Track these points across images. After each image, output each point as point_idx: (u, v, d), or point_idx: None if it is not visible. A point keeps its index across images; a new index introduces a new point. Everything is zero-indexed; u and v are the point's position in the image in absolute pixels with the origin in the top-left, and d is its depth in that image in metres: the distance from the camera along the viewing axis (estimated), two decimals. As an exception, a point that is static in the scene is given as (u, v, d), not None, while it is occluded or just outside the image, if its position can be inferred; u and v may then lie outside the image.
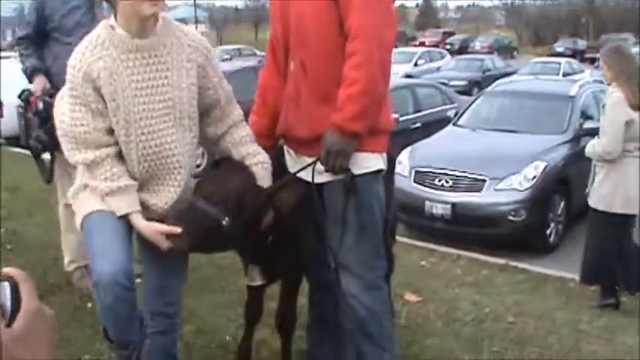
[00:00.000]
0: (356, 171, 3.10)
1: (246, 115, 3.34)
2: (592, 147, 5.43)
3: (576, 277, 6.21)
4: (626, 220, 5.39)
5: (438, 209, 8.04)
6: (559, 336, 4.76)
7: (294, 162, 3.34)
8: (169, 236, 2.85)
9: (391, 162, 4.02)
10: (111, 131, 2.85)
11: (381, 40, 2.99)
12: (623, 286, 5.62)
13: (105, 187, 2.87)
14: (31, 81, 4.94)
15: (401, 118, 11.36)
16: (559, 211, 8.24)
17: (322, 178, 3.13)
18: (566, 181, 8.29)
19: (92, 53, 2.81)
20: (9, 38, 34.81)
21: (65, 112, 2.86)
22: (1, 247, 6.25)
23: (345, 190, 3.10)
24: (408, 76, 23.22)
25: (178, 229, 2.82)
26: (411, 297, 5.36)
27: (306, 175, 3.17)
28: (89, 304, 4.86)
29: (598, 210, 5.46)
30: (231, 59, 26.65)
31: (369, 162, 3.15)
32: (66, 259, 5.26)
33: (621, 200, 5.29)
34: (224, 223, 2.89)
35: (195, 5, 61.61)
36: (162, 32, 2.95)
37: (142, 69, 2.88)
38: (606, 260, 5.52)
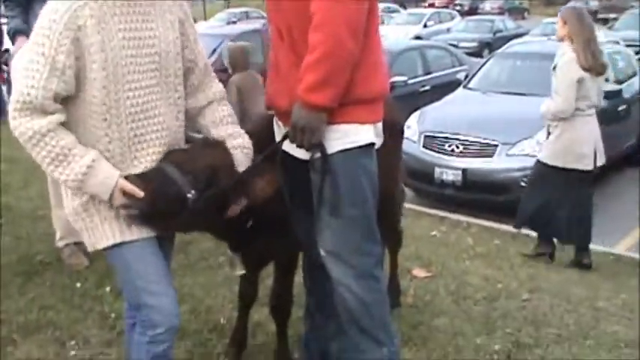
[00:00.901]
0: (338, 146, 2.76)
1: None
2: (546, 106, 5.69)
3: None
4: (578, 175, 5.64)
5: (448, 175, 7.83)
6: (577, 315, 4.49)
7: (279, 134, 3.01)
8: (129, 197, 2.56)
9: (395, 128, 3.72)
10: (58, 99, 2.51)
11: None
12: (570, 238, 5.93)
13: (75, 176, 2.53)
14: (14, 43, 4.77)
15: (410, 81, 11.11)
16: (573, 177, 7.91)
17: (300, 154, 2.82)
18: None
19: None
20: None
21: (22, 66, 2.51)
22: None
23: (321, 170, 2.77)
24: (418, 37, 22.79)
25: (140, 192, 2.54)
26: (420, 272, 5.09)
27: (293, 150, 2.84)
28: (78, 284, 4.63)
29: (549, 165, 5.72)
30: (237, 22, 26.23)
31: (355, 135, 2.78)
32: (57, 235, 5.03)
33: (574, 156, 5.57)
34: (189, 196, 2.60)
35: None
36: None
37: (128, 17, 2.58)
38: (548, 211, 5.83)
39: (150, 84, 2.64)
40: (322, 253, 2.91)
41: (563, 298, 4.78)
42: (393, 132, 3.54)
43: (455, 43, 20.09)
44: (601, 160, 5.69)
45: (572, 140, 5.55)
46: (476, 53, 20.23)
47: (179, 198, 2.59)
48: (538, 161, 5.92)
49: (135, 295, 2.74)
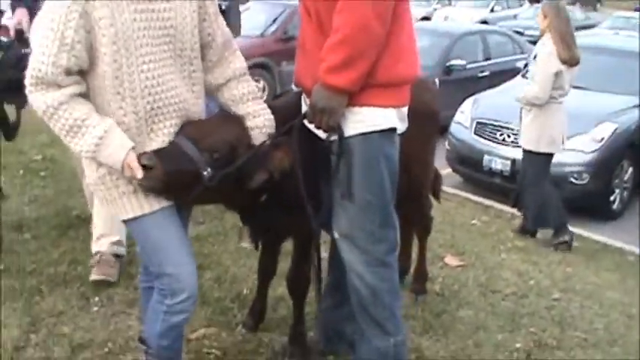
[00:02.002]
0: (357, 129, 2.71)
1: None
2: (523, 92, 6.03)
3: (636, 249, 5.85)
4: (550, 157, 6.11)
5: (497, 164, 7.71)
6: (607, 320, 4.38)
7: None
8: (145, 171, 2.54)
9: (427, 112, 3.64)
10: (73, 72, 2.49)
11: None
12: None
13: (88, 146, 2.51)
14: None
15: (468, 66, 10.94)
16: (626, 178, 7.79)
17: (319, 133, 2.78)
18: (636, 146, 7.77)
19: None
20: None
21: (35, 41, 2.53)
22: (35, 174, 6.14)
23: (337, 152, 2.72)
24: (484, 22, 22.35)
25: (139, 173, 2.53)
26: (452, 260, 5.02)
27: (313, 129, 2.80)
28: (108, 242, 4.66)
29: (527, 150, 6.12)
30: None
31: (376, 119, 2.72)
32: (94, 232, 4.73)
33: (547, 141, 5.95)
34: (205, 174, 2.58)
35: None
36: None
37: None
38: (535, 192, 6.18)
39: (163, 57, 2.61)
40: (336, 235, 2.89)
41: (596, 301, 4.67)
42: (424, 115, 3.46)
43: (520, 30, 19.62)
44: (564, 145, 6.17)
45: (544, 126, 5.94)
46: (542, 42, 19.74)
47: (194, 175, 2.58)
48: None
49: (155, 263, 2.74)
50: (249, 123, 2.81)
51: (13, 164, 6.32)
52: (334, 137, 2.70)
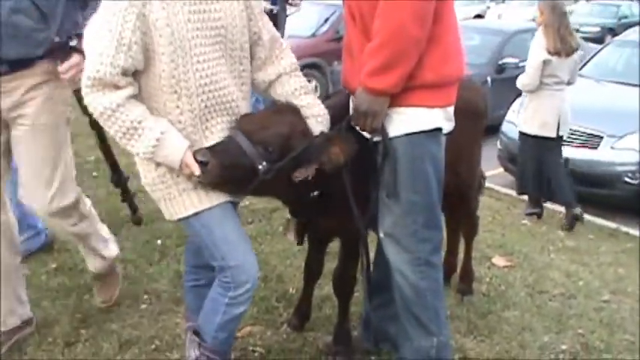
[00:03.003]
0: (402, 129, 2.72)
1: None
2: (520, 79, 6.51)
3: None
4: (543, 141, 6.43)
5: (550, 163, 7.54)
6: (658, 325, 4.27)
7: None
8: (201, 167, 2.59)
9: (473, 111, 3.63)
10: (129, 74, 2.55)
11: None
12: (551, 198, 6.75)
13: (145, 148, 2.56)
14: None
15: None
16: (682, 177, 7.53)
17: (365, 134, 2.80)
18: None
19: None
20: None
21: (90, 42, 2.57)
22: (88, 175, 6.26)
23: (382, 152, 2.74)
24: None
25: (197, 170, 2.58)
26: (500, 261, 4.96)
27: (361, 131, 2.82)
28: (159, 241, 4.78)
29: (521, 132, 6.66)
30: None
31: (422, 119, 2.73)
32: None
33: (538, 124, 6.39)
34: (260, 167, 2.62)
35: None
36: None
37: None
38: (526, 174, 6.70)
39: (216, 56, 2.67)
40: (381, 234, 2.90)
41: (648, 304, 4.56)
42: (471, 115, 3.45)
43: (576, 27, 19.29)
44: (563, 131, 6.44)
45: (535, 110, 6.39)
46: (598, 39, 19.37)
47: (250, 169, 2.63)
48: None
49: (219, 257, 2.78)
50: (304, 113, 2.85)
51: (67, 165, 6.46)
52: (378, 138, 2.72)
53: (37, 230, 4.51)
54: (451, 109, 2.84)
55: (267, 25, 2.89)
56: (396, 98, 2.67)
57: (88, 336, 3.65)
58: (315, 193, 2.94)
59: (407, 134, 2.73)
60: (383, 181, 2.80)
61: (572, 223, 6.37)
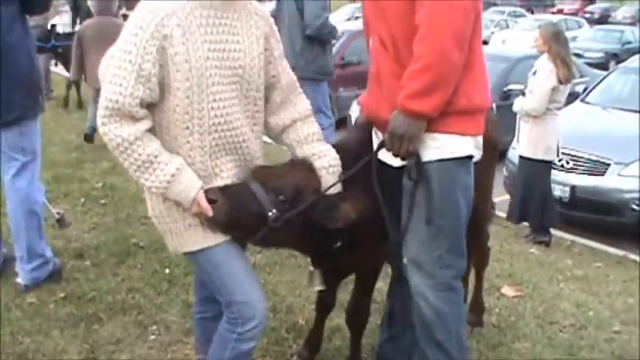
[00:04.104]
0: (435, 155, 2.72)
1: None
2: (521, 104, 6.71)
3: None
4: (547, 165, 6.71)
5: (556, 191, 7.55)
6: (671, 356, 4.23)
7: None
8: (213, 207, 2.58)
9: (491, 143, 3.62)
10: (145, 105, 2.54)
11: (451, 6, 2.52)
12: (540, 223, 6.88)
13: (159, 183, 2.55)
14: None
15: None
16: (689, 204, 7.52)
17: (395, 161, 2.78)
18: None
19: (166, 7, 2.51)
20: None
21: (109, 72, 2.55)
22: (95, 202, 6.26)
23: (415, 178, 2.72)
24: (542, 44, 22.06)
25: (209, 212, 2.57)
26: (509, 291, 4.94)
27: (387, 158, 2.81)
28: (167, 270, 4.75)
29: (524, 157, 6.77)
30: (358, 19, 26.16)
31: (452, 146, 2.73)
32: None
33: (542, 149, 6.57)
34: (270, 215, 2.61)
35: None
36: None
37: (214, 29, 2.60)
38: (530, 200, 6.80)
39: (231, 96, 2.66)
40: (405, 261, 2.89)
41: (659, 334, 4.53)
42: (489, 147, 3.46)
43: (580, 52, 19.41)
44: (559, 154, 6.83)
45: (540, 135, 6.57)
46: (601, 65, 19.40)
47: (259, 215, 2.61)
48: (519, 156, 6.93)
49: (225, 293, 2.76)
50: (316, 163, 2.84)
51: (74, 192, 6.48)
52: (412, 162, 2.70)
53: (45, 259, 4.50)
54: (480, 139, 2.84)
55: (286, 69, 2.90)
56: (429, 123, 2.66)
57: (97, 367, 3.63)
58: (338, 244, 2.93)
59: (439, 160, 2.73)
60: (413, 205, 2.78)
61: (538, 242, 6.72)
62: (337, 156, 2.90)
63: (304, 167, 2.81)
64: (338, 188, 2.83)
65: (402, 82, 2.60)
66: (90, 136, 8.39)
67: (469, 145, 2.78)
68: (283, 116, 2.91)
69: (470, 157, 2.81)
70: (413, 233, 2.85)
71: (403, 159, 2.71)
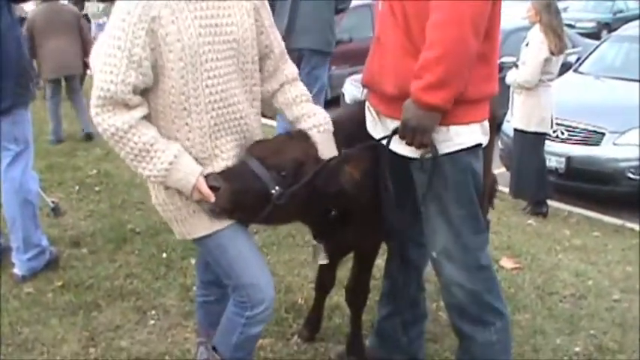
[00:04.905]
0: (446, 148, 2.65)
1: (364, 54, 2.95)
2: (513, 76, 6.68)
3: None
4: (541, 137, 6.69)
5: (552, 162, 7.50)
6: (671, 322, 4.23)
7: (374, 124, 2.91)
8: (214, 192, 2.53)
9: (494, 123, 3.59)
10: (138, 92, 2.49)
11: None
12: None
13: (157, 172, 2.51)
14: None
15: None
16: (686, 171, 7.51)
17: (404, 150, 2.72)
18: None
19: None
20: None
21: (99, 61, 2.48)
22: (90, 189, 6.24)
23: (430, 170, 2.67)
24: (533, 16, 21.96)
25: (212, 197, 2.52)
26: (508, 263, 4.94)
27: (396, 146, 2.73)
28: (164, 255, 4.75)
29: (518, 129, 6.71)
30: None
31: (463, 136, 2.67)
32: None
33: (536, 121, 6.55)
34: (273, 192, 2.56)
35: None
36: None
37: (203, 4, 2.53)
38: (526, 173, 6.77)
39: (228, 71, 2.60)
40: (434, 255, 2.86)
41: (659, 301, 4.53)
42: (491, 126, 3.43)
43: (572, 23, 19.25)
44: (553, 125, 6.76)
45: (533, 107, 6.54)
46: (593, 34, 19.28)
47: (263, 194, 2.56)
48: (514, 129, 6.85)
49: (233, 276, 2.72)
50: (305, 123, 2.80)
51: (68, 180, 6.46)
52: (429, 155, 2.64)
53: (42, 248, 4.49)
54: (487, 123, 2.78)
55: (277, 38, 2.85)
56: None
57: (97, 354, 3.62)
58: (334, 212, 2.90)
59: (450, 152, 2.67)
60: (431, 198, 2.75)
61: (535, 213, 6.70)
62: (327, 115, 2.86)
63: (301, 138, 2.75)
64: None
65: (416, 70, 2.48)
66: (55, 142, 8.05)
67: (477, 133, 2.72)
68: (273, 82, 2.87)
69: (479, 145, 2.76)
70: (434, 227, 2.82)
71: (418, 149, 2.65)
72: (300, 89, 2.90)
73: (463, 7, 2.40)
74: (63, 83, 8.42)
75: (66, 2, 8.72)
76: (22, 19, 8.25)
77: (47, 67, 7.61)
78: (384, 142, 2.74)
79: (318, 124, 2.80)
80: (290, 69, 2.91)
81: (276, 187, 2.56)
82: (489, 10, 2.51)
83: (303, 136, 2.76)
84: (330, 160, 2.71)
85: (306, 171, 2.64)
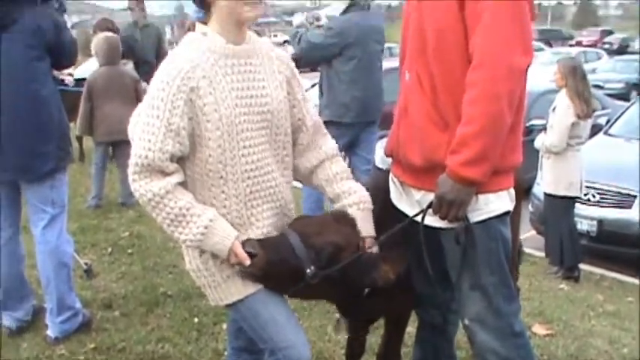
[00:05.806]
0: (476, 217, 2.68)
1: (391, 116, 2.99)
2: (541, 141, 6.80)
3: None
4: (570, 201, 6.73)
5: (583, 225, 7.50)
6: None
7: (399, 194, 2.95)
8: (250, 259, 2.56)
9: (520, 188, 3.61)
10: (174, 159, 2.56)
11: (510, 70, 2.46)
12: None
13: (193, 236, 2.56)
14: None
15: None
16: None
17: (436, 222, 2.74)
18: None
19: (190, 60, 2.53)
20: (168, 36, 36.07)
21: (137, 129, 2.59)
22: (122, 251, 6.30)
23: (464, 242, 2.70)
24: (562, 78, 22.03)
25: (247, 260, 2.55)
26: (540, 329, 4.88)
27: (430, 220, 2.75)
28: (196, 319, 4.74)
29: (547, 193, 6.80)
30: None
31: (492, 205, 2.70)
32: None
33: (565, 185, 6.60)
34: (307, 271, 2.57)
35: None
36: (253, 40, 2.73)
37: (239, 76, 2.62)
38: (558, 238, 6.82)
39: (261, 141, 2.67)
40: (466, 322, 2.88)
41: (695, 370, 4.45)
42: (517, 192, 3.45)
43: (600, 84, 19.31)
44: (583, 189, 6.77)
45: (562, 171, 6.60)
46: (622, 95, 19.33)
47: (297, 271, 2.58)
48: (544, 193, 6.95)
49: (268, 339, 2.74)
50: (346, 200, 2.83)
51: (101, 242, 6.52)
52: (460, 227, 2.66)
53: (75, 311, 4.52)
54: (513, 190, 2.80)
55: (310, 111, 2.91)
56: None
57: (129, 419, 3.63)
58: (366, 292, 2.90)
59: (482, 221, 2.70)
60: (464, 270, 2.77)
61: (567, 277, 6.71)
62: (367, 193, 2.88)
63: (346, 223, 2.75)
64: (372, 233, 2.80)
65: (454, 146, 2.52)
66: (94, 207, 7.83)
67: (506, 201, 2.75)
68: (311, 157, 2.92)
69: (507, 213, 2.79)
70: (466, 295, 2.84)
71: (449, 222, 2.67)
72: (340, 166, 2.94)
73: (500, 86, 2.45)
74: (110, 148, 8.38)
75: (128, 66, 8.70)
76: (81, 80, 8.34)
77: (101, 130, 7.64)
78: (419, 217, 2.75)
79: (359, 202, 2.84)
80: (329, 144, 2.96)
81: (312, 267, 2.58)
82: (526, 81, 2.57)
83: (347, 221, 2.77)
84: (368, 256, 2.72)
85: (344, 257, 2.64)
